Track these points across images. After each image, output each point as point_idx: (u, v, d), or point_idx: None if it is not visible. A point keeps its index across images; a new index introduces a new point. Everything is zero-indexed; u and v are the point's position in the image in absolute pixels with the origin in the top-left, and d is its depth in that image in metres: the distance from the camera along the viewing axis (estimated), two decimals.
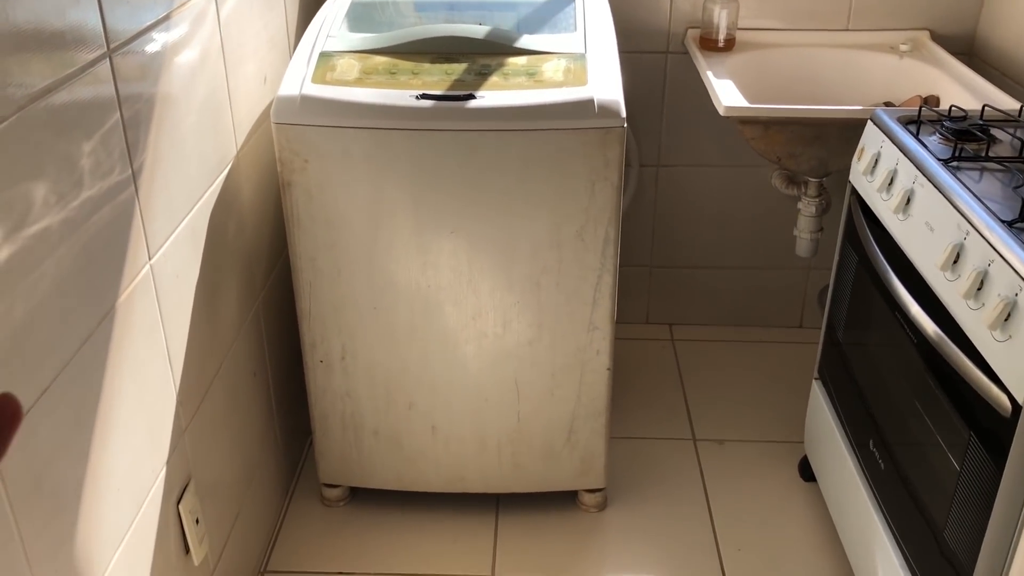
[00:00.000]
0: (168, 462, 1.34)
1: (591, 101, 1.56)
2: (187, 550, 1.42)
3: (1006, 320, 1.16)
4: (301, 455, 2.10)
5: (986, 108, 1.65)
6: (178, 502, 1.38)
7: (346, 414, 1.82)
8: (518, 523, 1.91)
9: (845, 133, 1.96)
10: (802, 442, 2.09)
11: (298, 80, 1.62)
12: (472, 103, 1.57)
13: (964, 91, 1.92)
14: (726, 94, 1.89)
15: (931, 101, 2.00)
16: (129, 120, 1.19)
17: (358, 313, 1.72)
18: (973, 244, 1.27)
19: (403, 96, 1.58)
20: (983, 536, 1.22)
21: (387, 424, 1.83)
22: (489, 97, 1.58)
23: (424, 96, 1.58)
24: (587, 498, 1.93)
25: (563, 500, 1.95)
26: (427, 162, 1.58)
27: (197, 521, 1.44)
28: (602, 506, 1.95)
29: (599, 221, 1.63)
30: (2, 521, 0.95)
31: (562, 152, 1.57)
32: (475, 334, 1.73)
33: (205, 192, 1.47)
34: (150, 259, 1.27)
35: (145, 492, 1.28)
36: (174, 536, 1.37)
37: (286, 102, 1.58)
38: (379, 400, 1.80)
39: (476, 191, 1.60)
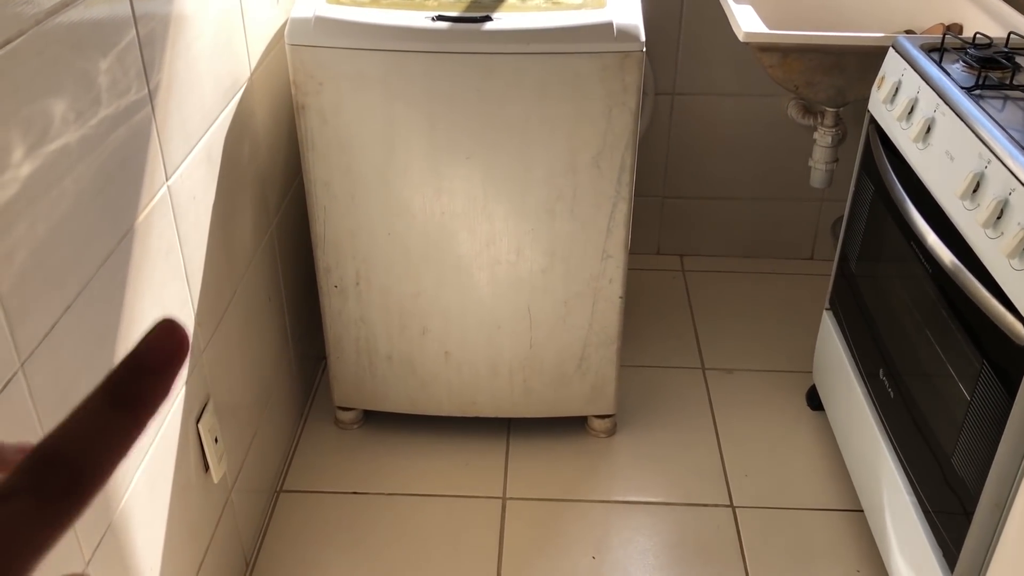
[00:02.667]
0: (188, 382, 1.36)
1: (610, 24, 1.54)
2: (207, 468, 1.45)
3: None
4: (315, 379, 2.13)
5: (1011, 35, 1.62)
6: (197, 421, 1.41)
7: (360, 339, 1.84)
8: (529, 447, 1.94)
9: (865, 62, 1.93)
10: (810, 372, 2.11)
11: (312, 1, 1.59)
12: (488, 25, 1.54)
13: (988, 18, 1.88)
14: (746, 20, 1.85)
15: (954, 28, 1.96)
16: (145, 38, 1.18)
17: (372, 238, 1.72)
18: (994, 173, 1.26)
19: (418, 17, 1.56)
20: (990, 465, 1.24)
21: (400, 349, 1.84)
22: (506, 19, 1.55)
23: (440, 18, 1.55)
24: (597, 424, 1.96)
25: (573, 425, 1.98)
26: (443, 86, 1.57)
27: (216, 440, 1.46)
28: (611, 432, 1.98)
29: (615, 147, 1.62)
30: (32, 437, 0.97)
31: (579, 77, 1.56)
32: (489, 261, 1.73)
33: (220, 114, 1.46)
34: (167, 180, 1.27)
35: (166, 411, 1.30)
36: (194, 454, 1.40)
37: (300, 23, 1.56)
38: (393, 325, 1.82)
39: (492, 116, 1.59)
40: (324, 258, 1.76)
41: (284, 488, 1.85)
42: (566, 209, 1.68)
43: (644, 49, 1.55)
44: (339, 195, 1.68)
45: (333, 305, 1.81)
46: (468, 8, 1.59)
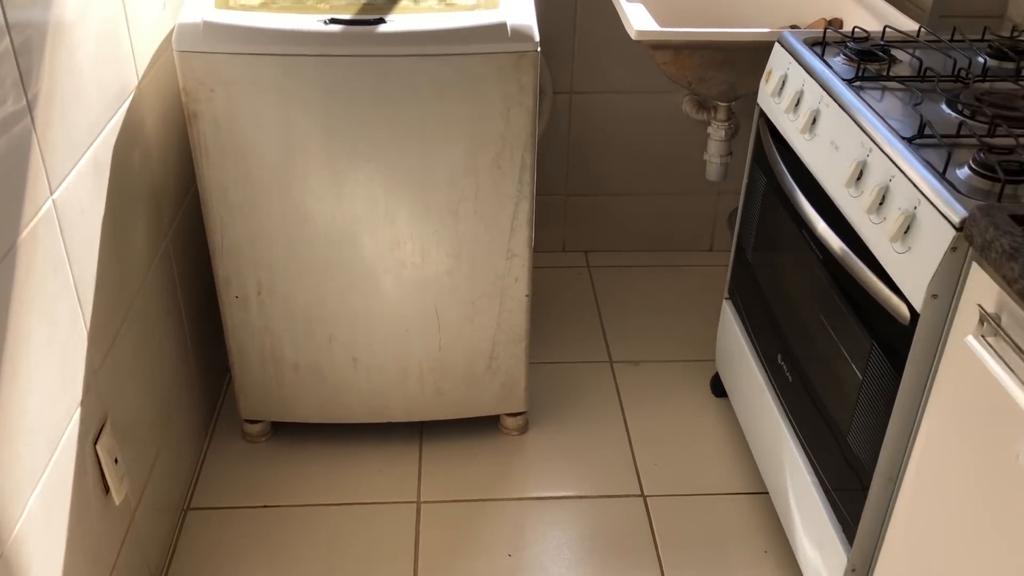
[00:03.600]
0: (83, 402, 1.31)
1: (504, 25, 1.55)
2: (107, 490, 1.40)
3: (905, 232, 1.22)
4: (220, 392, 2.07)
5: (887, 29, 1.70)
6: (95, 442, 1.36)
7: (265, 349, 1.81)
8: (442, 449, 1.94)
9: (754, 56, 1.99)
10: (714, 360, 2.17)
11: (199, 5, 1.55)
12: (382, 27, 1.53)
13: (866, 13, 1.96)
14: (637, 18, 1.89)
15: (835, 23, 2.05)
16: (20, 47, 1.13)
17: (273, 247, 1.69)
18: (876, 161, 1.32)
19: (311, 21, 1.54)
20: (883, 440, 1.29)
21: (307, 357, 1.82)
22: (400, 21, 1.55)
23: (333, 21, 1.54)
24: (509, 422, 1.97)
25: (485, 425, 1.98)
26: (338, 89, 1.55)
27: (116, 461, 1.41)
28: (523, 429, 1.99)
29: (515, 147, 1.63)
30: None
31: (476, 77, 1.56)
32: (394, 264, 1.72)
33: (107, 124, 1.41)
34: (52, 194, 1.22)
35: (60, 432, 1.25)
36: (92, 477, 1.35)
37: (188, 29, 1.52)
38: (298, 334, 1.79)
39: (390, 118, 1.58)
40: (223, 268, 1.72)
41: (191, 506, 1.80)
42: (469, 210, 1.68)
43: (539, 49, 1.56)
44: (236, 203, 1.65)
45: (235, 316, 1.77)
46: (361, 11, 1.57)
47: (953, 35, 1.69)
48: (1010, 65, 1.57)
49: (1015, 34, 1.72)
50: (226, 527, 1.75)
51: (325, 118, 1.57)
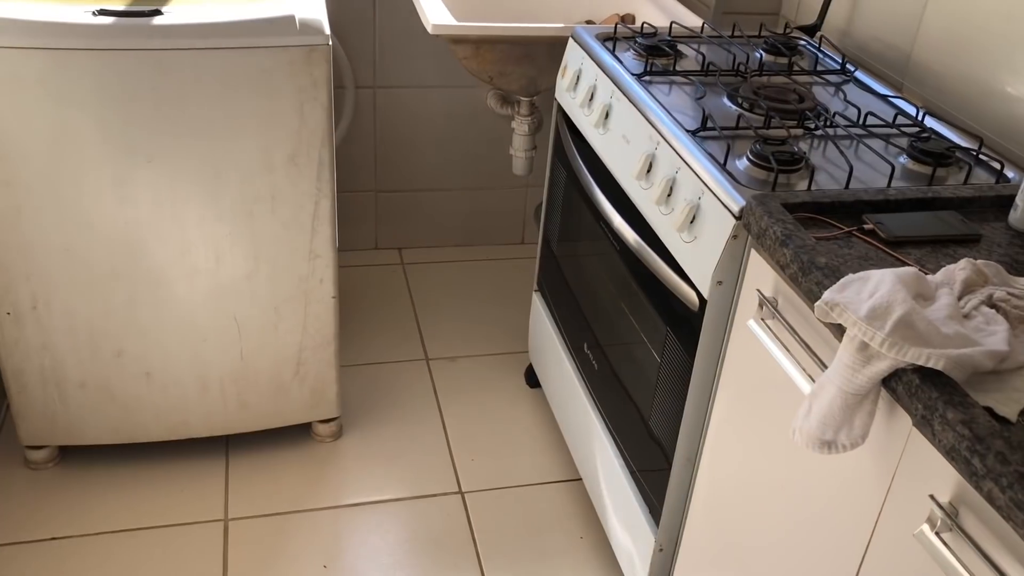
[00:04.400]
0: None
1: (292, 18, 1.49)
2: None
3: (691, 223, 1.26)
4: None
5: (673, 25, 1.76)
6: None
7: (45, 368, 1.66)
8: (250, 462, 1.85)
9: (552, 51, 2.02)
10: (527, 352, 2.19)
11: None
12: (158, 19, 1.44)
13: (656, 9, 2.03)
14: (434, 12, 1.87)
15: (627, 19, 2.10)
16: None
17: (48, 257, 1.55)
18: (663, 153, 1.36)
19: (77, 12, 1.42)
20: (680, 422, 1.34)
21: (94, 375, 1.68)
22: (178, 13, 1.45)
23: (102, 12, 1.42)
24: (321, 428, 1.91)
25: (296, 433, 1.91)
26: (113, 86, 1.44)
27: None
28: (337, 435, 1.93)
29: (312, 144, 1.57)
30: None
31: (265, 72, 1.49)
32: (186, 271, 1.62)
33: None
34: None
35: None
36: None
37: None
38: (82, 350, 1.65)
39: (172, 116, 1.48)
40: None
41: None
42: (266, 210, 1.61)
43: (330, 42, 1.51)
44: (1, 210, 1.50)
45: (8, 334, 1.61)
46: (134, 2, 1.46)
47: (733, 31, 1.77)
48: (783, 60, 1.66)
49: (787, 31, 1.82)
50: (11, 565, 1.60)
51: (99, 116, 1.46)
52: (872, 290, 0.90)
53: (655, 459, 1.45)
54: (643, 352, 1.47)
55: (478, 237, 2.66)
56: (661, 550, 1.46)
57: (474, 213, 2.62)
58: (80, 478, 1.78)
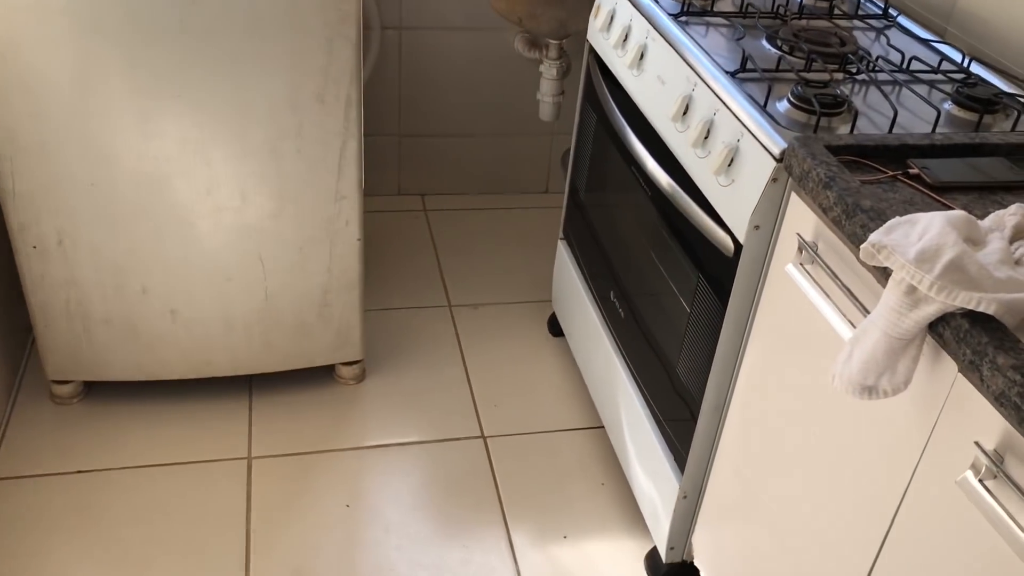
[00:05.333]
0: None
1: None
2: None
3: (729, 166, 1.23)
4: (24, 352, 1.90)
5: None
6: None
7: (71, 303, 1.66)
8: (274, 402, 1.85)
9: None
10: (551, 301, 2.17)
11: None
12: None
13: None
14: None
15: None
16: None
17: (74, 191, 1.54)
18: (700, 95, 1.33)
19: None
20: (710, 370, 1.32)
21: (119, 311, 1.68)
22: None
23: None
24: (344, 371, 1.91)
25: (320, 375, 1.91)
26: (142, 16, 1.41)
27: None
28: (360, 378, 1.93)
29: (339, 82, 1.54)
30: None
31: (294, 7, 1.46)
32: (211, 209, 1.61)
33: None
34: None
35: None
36: None
37: None
38: (107, 286, 1.65)
39: (200, 49, 1.46)
40: (16, 216, 1.55)
41: None
42: (292, 149, 1.59)
43: None
44: (27, 144, 1.48)
45: (34, 268, 1.61)
46: None
47: None
48: (824, 3, 1.61)
49: None
50: (37, 496, 1.62)
51: (127, 48, 1.43)
52: (921, 233, 0.87)
53: (681, 407, 1.44)
54: (672, 300, 1.45)
55: (502, 185, 2.63)
56: (685, 497, 1.45)
57: (498, 160, 2.59)
58: (105, 413, 1.79)
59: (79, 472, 1.67)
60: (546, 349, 2.08)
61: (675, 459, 1.47)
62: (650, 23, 1.50)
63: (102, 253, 1.61)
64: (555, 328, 2.11)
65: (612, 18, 1.64)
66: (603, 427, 1.85)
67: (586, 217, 1.84)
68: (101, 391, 1.82)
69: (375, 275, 2.24)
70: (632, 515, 1.70)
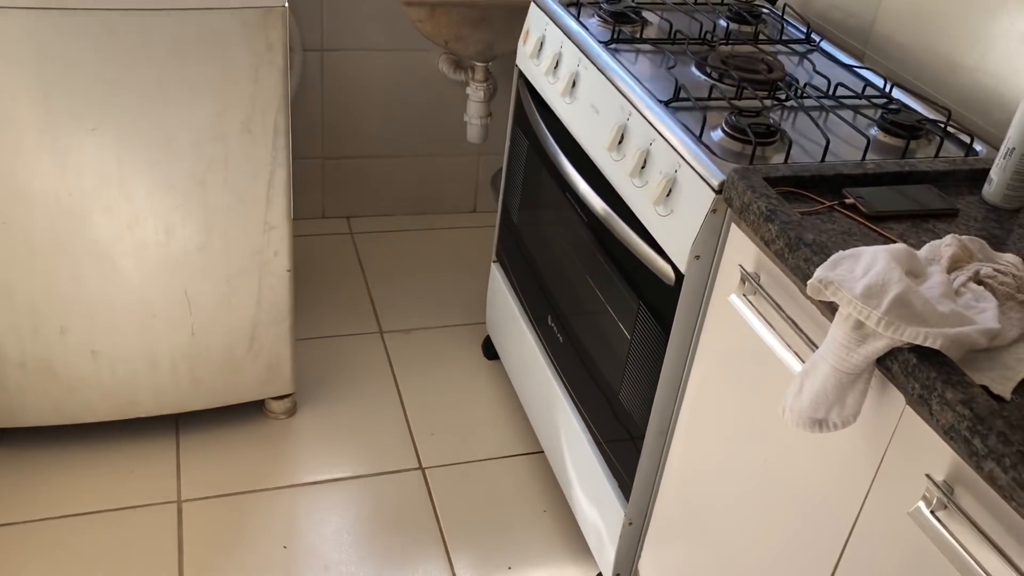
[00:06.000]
0: None
1: None
2: None
3: (667, 196, 1.24)
4: None
5: None
6: None
7: None
8: (203, 441, 1.79)
9: (510, 16, 1.97)
10: (484, 323, 2.16)
11: None
12: None
13: None
14: None
15: None
16: None
17: None
18: (636, 125, 1.33)
19: None
20: (654, 396, 1.33)
21: (36, 353, 1.60)
22: None
23: None
24: (275, 405, 1.85)
25: (249, 411, 1.85)
26: (56, 48, 1.35)
27: None
28: (292, 411, 1.88)
29: (267, 111, 1.50)
30: None
31: (219, 35, 1.41)
32: (134, 245, 1.54)
33: None
34: None
35: None
36: None
37: None
38: (23, 328, 1.57)
39: (120, 81, 1.40)
40: None
41: None
42: (219, 180, 1.54)
43: (287, 3, 1.44)
44: None
45: None
46: None
47: None
48: (748, 29, 1.65)
49: None
50: None
51: (40, 79, 1.36)
52: (866, 268, 0.89)
53: (624, 432, 1.44)
54: (611, 325, 1.45)
55: (429, 206, 2.60)
56: (631, 524, 1.46)
57: (425, 181, 2.56)
58: (22, 461, 1.70)
59: None
60: (481, 373, 2.07)
61: (619, 485, 1.47)
62: (581, 51, 1.50)
63: (16, 294, 1.53)
64: (490, 351, 2.10)
65: (542, 44, 1.64)
66: (543, 452, 1.84)
67: (520, 240, 1.83)
68: (16, 437, 1.73)
69: (302, 302, 2.19)
70: (576, 541, 1.69)
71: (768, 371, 1.09)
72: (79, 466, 1.70)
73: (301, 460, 1.79)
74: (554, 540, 1.69)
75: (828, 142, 1.22)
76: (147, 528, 1.61)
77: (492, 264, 2.00)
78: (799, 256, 0.98)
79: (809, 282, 0.91)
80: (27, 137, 1.40)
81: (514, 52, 1.98)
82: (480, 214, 2.63)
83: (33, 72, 1.36)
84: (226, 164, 1.53)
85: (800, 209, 1.08)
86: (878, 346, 0.85)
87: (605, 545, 1.52)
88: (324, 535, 1.64)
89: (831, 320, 0.91)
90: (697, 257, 1.20)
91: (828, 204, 1.10)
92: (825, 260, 0.93)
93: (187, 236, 1.57)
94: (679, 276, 1.23)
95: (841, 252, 0.93)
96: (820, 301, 0.93)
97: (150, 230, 1.54)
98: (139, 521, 1.62)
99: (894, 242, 0.98)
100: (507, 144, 1.85)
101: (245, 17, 1.42)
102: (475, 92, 2.20)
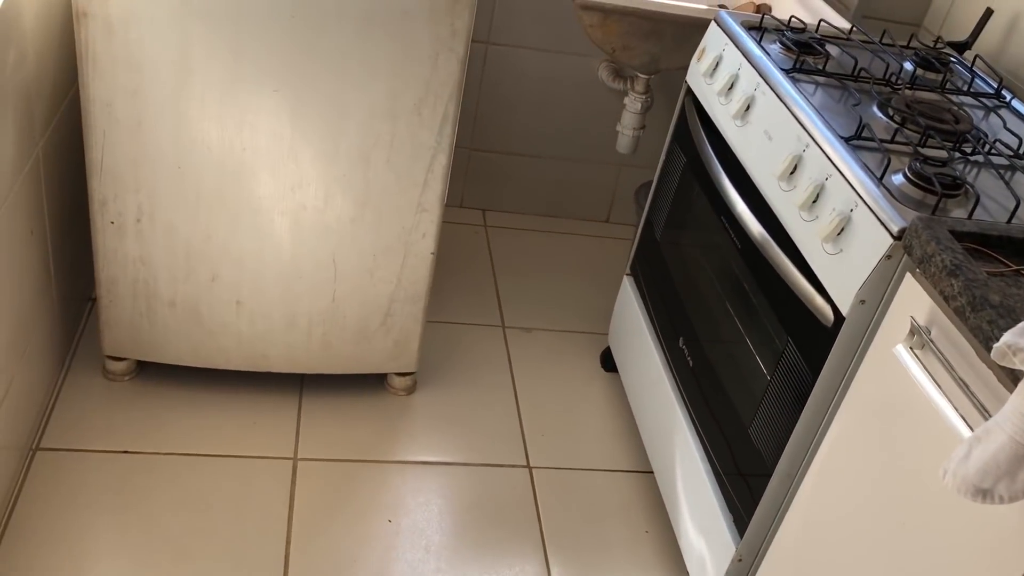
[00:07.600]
0: None
1: None
2: None
3: (839, 234, 1.20)
4: (80, 322, 1.89)
5: (822, 23, 1.69)
6: None
7: (139, 282, 1.65)
8: (323, 404, 1.84)
9: (681, 32, 1.95)
10: (604, 334, 2.15)
11: None
12: None
13: (795, 3, 1.95)
14: None
15: (763, 9, 2.03)
16: None
17: (160, 171, 1.53)
18: (812, 157, 1.30)
19: None
20: (788, 437, 1.29)
21: (185, 295, 1.67)
22: None
23: None
24: (397, 381, 1.89)
25: (371, 383, 1.89)
26: (251, 6, 1.40)
27: None
28: (411, 390, 1.91)
29: (439, 96, 1.53)
30: None
31: (407, 15, 1.45)
32: (293, 206, 1.59)
33: None
34: None
35: None
36: None
37: None
38: (178, 269, 1.64)
39: (307, 47, 1.45)
40: (100, 189, 1.54)
41: (41, 446, 1.64)
42: (382, 157, 1.57)
43: None
44: (122, 119, 1.48)
45: (108, 243, 1.60)
46: None
47: (882, 38, 1.70)
48: (934, 76, 1.59)
49: (937, 44, 1.74)
50: (79, 471, 1.60)
51: (233, 37, 1.42)
52: None
53: (749, 468, 1.40)
54: (749, 358, 1.42)
55: (563, 209, 2.61)
56: (740, 560, 1.42)
57: (563, 184, 2.57)
58: (156, 395, 1.78)
59: (125, 452, 1.66)
60: (597, 383, 2.06)
61: (734, 520, 1.44)
62: (761, 75, 1.48)
63: (178, 236, 1.60)
64: (608, 363, 2.08)
65: (718, 64, 1.62)
66: (651, 472, 1.82)
67: (659, 257, 1.82)
68: (154, 372, 1.81)
69: (432, 286, 2.22)
70: (675, 567, 1.66)
71: (926, 430, 1.04)
72: (207, 409, 1.77)
73: (414, 438, 1.81)
74: (651, 562, 1.67)
75: (1019, 202, 1.17)
76: (262, 479, 1.66)
77: (625, 276, 1.99)
78: (982, 317, 0.94)
79: (995, 346, 0.87)
80: (215, 90, 1.46)
81: (678, 68, 1.97)
82: (613, 225, 2.62)
83: (229, 29, 1.41)
84: (391, 143, 1.56)
85: (986, 268, 1.04)
86: None
87: None
88: (428, 516, 1.66)
89: (1007, 387, 0.86)
90: (862, 302, 1.16)
91: (1015, 268, 1.05)
92: (1012, 325, 0.88)
93: (343, 206, 1.61)
94: (839, 318, 1.19)
95: None
96: (1001, 367, 0.89)
97: (311, 195, 1.59)
98: (256, 471, 1.67)
99: None
100: (662, 158, 1.83)
101: (434, 2, 1.44)
102: (632, 103, 2.19)
